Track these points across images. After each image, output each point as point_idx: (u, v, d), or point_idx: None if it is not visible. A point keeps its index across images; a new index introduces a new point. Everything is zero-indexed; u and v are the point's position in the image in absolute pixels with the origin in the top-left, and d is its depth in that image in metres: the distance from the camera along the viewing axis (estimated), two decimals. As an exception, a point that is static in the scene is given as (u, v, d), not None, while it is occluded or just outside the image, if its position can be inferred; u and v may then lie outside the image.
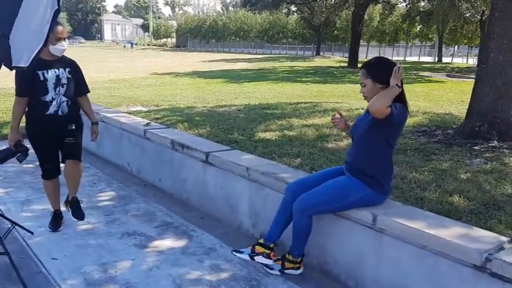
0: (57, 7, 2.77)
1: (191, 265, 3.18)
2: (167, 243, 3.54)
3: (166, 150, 4.65)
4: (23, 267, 2.95)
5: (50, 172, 3.64)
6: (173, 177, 4.64)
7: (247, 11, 46.56)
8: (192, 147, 4.29)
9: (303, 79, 17.82)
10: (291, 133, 5.95)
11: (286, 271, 3.01)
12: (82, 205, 3.78)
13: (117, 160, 5.69)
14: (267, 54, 46.54)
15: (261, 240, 3.04)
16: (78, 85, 3.61)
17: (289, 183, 3.13)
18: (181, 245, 3.51)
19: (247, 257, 3.04)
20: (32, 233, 3.53)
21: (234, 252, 3.13)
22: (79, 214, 3.73)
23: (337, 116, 3.08)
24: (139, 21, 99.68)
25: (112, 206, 4.31)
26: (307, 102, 9.31)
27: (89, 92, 3.81)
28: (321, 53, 42.70)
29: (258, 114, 7.49)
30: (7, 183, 4.83)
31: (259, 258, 3.01)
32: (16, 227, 3.43)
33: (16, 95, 3.44)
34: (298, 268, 3.03)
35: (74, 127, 3.59)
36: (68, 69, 3.52)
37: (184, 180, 4.46)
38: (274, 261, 3.03)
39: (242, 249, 3.08)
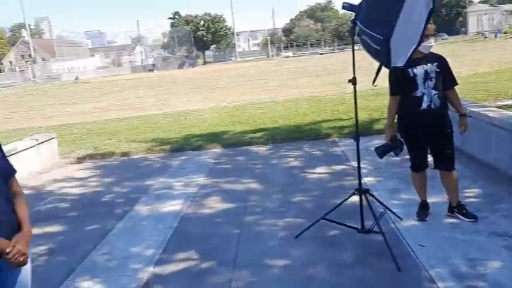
0: (432, 6, 2.90)
1: None
2: (545, 252, 3.12)
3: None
4: (394, 247, 3.28)
5: (418, 165, 3.85)
6: (554, 179, 4.00)
7: None
8: None
9: None
10: None
11: None
12: (447, 200, 3.82)
13: (483, 156, 5.39)
14: None
15: None
16: (446, 79, 3.68)
17: None
18: None
19: None
20: (401, 219, 3.87)
21: None
22: (470, 214, 3.77)
23: None
24: (510, 7, 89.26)
25: (478, 203, 4.15)
26: None
27: (457, 84, 3.80)
28: None
29: None
30: (378, 172, 5.42)
31: None
32: (387, 211, 3.84)
33: (390, 94, 3.78)
34: None
35: (449, 130, 3.68)
36: (435, 64, 3.62)
37: None
38: None
39: None
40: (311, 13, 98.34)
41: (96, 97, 24.24)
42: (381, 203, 3.80)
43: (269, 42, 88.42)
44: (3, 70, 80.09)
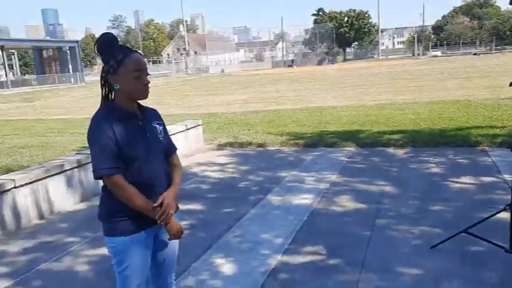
0: None
1: None
2: None
3: None
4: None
5: None
6: None
7: None
8: None
9: None
10: None
11: None
12: None
13: None
14: None
15: None
16: None
17: None
18: None
19: None
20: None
21: None
22: None
23: None
24: None
25: None
26: None
27: None
28: None
29: None
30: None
31: None
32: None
33: None
34: None
35: None
36: None
37: None
38: None
39: None
40: (467, 10, 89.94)
41: (238, 89, 25.71)
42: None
43: (416, 40, 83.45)
44: (162, 61, 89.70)
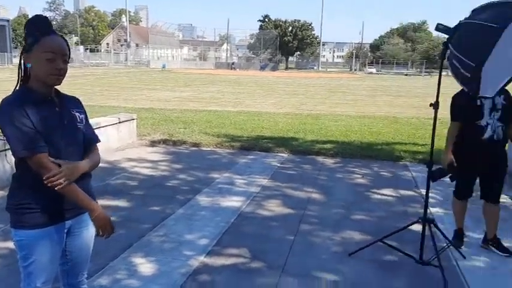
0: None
1: None
2: None
3: None
4: (451, 286, 3.09)
5: (464, 194, 3.82)
6: None
7: None
8: None
9: None
10: None
11: None
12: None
13: None
14: None
15: None
16: (510, 112, 3.58)
17: None
18: None
19: None
20: (464, 257, 3.64)
21: None
22: (505, 249, 3.76)
23: None
24: None
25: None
26: None
27: None
28: None
29: None
30: (448, 205, 5.08)
31: None
32: (451, 247, 3.64)
33: (452, 120, 3.71)
34: None
35: (505, 165, 3.69)
36: (502, 96, 3.55)
37: None
38: None
39: None
40: (402, 32, 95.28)
41: (179, 86, 25.32)
42: (445, 237, 3.61)
43: (354, 56, 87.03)
44: (101, 50, 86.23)
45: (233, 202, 5.05)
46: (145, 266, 3.40)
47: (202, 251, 3.70)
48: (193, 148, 8.16)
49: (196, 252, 3.68)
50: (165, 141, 8.46)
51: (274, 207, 4.94)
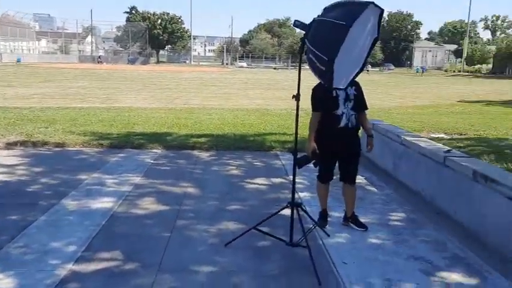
0: (376, 35, 3.05)
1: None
2: (456, 277, 3.32)
3: (466, 181, 4.35)
4: (318, 263, 3.36)
5: (326, 177, 4.21)
6: (470, 210, 4.29)
7: None
8: (497, 180, 3.87)
9: None
10: None
11: None
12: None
13: (411, 184, 5.68)
14: None
15: None
16: (361, 101, 4.03)
17: None
18: (472, 284, 3.23)
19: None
20: (329, 235, 3.99)
21: None
22: (361, 224, 4.21)
23: None
24: (453, 47, 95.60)
25: (401, 227, 4.36)
26: None
27: (367, 109, 4.14)
28: None
29: None
30: (314, 189, 5.53)
31: None
32: (317, 227, 3.94)
33: (313, 110, 4.04)
34: None
35: (359, 149, 4.09)
36: (354, 87, 3.97)
37: (484, 215, 4.06)
38: None
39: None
40: (269, 27, 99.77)
41: (37, 82, 23.07)
42: (311, 219, 3.89)
43: (225, 50, 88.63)
44: None
45: (104, 203, 4.79)
46: (3, 282, 3.05)
47: (70, 259, 3.44)
48: (57, 149, 7.53)
49: (63, 260, 3.41)
50: (22, 143, 7.65)
51: (148, 205, 4.81)
